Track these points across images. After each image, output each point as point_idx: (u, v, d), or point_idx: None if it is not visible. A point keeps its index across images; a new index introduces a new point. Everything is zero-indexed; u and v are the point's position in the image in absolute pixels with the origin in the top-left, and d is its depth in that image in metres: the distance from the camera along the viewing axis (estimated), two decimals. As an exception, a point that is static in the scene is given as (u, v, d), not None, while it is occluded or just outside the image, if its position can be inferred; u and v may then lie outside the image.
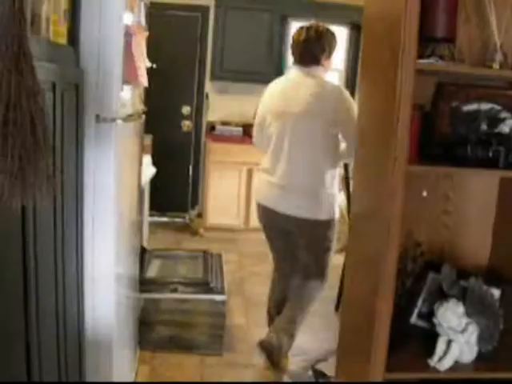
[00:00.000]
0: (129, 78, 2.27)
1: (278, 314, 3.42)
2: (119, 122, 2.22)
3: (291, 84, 3.22)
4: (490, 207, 2.28)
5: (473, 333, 1.91)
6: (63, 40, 1.92)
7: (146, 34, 2.60)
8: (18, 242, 1.50)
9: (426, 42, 1.87)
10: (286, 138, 3.15)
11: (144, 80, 2.54)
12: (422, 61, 1.82)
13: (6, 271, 1.45)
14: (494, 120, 1.98)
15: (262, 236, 5.60)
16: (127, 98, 2.42)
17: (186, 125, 6.32)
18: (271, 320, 3.50)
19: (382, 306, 1.84)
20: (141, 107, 2.88)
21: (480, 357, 1.97)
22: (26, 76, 1.26)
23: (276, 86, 3.38)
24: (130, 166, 2.71)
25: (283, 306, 3.38)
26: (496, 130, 1.97)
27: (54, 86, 1.70)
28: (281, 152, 3.18)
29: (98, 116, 2.14)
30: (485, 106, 1.98)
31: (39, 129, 1.30)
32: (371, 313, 1.88)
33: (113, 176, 2.22)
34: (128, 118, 2.42)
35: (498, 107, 1.99)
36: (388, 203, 1.81)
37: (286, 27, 6.29)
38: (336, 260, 4.34)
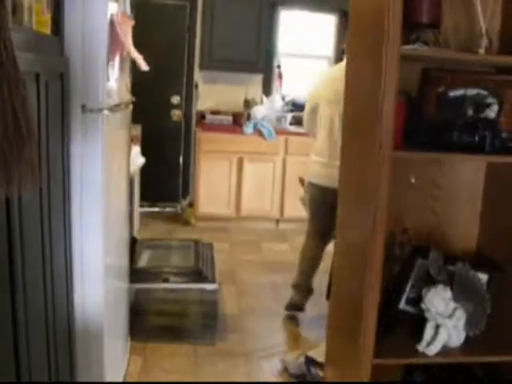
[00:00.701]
0: (115, 53, 2.24)
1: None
2: (106, 112, 2.20)
3: (341, 73, 3.34)
4: (477, 192, 2.29)
5: (460, 318, 1.92)
6: (47, 30, 1.90)
7: (132, 22, 2.58)
8: (3, 233, 1.49)
9: (411, 28, 1.87)
10: (335, 122, 3.44)
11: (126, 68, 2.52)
12: (406, 47, 1.81)
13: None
14: (480, 105, 1.98)
15: (253, 225, 5.64)
16: (114, 87, 2.40)
17: (176, 114, 6.30)
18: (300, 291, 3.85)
19: (370, 292, 1.84)
20: (128, 97, 2.87)
21: (468, 341, 1.99)
22: (8, 66, 1.25)
23: (328, 75, 3.72)
24: (118, 156, 2.70)
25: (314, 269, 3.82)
26: (482, 115, 1.97)
27: (37, 76, 1.69)
28: (331, 135, 3.53)
29: (83, 106, 2.13)
30: (471, 92, 1.98)
31: (22, 119, 1.28)
32: (359, 299, 1.89)
33: (100, 167, 2.21)
34: (115, 108, 2.40)
35: (484, 92, 1.99)
36: (374, 189, 1.81)
37: (275, 15, 6.27)
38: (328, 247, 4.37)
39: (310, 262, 3.83)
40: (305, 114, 3.88)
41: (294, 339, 3.60)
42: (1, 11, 1.22)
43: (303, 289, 3.83)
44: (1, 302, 1.49)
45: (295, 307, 3.84)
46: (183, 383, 2.99)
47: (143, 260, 3.89)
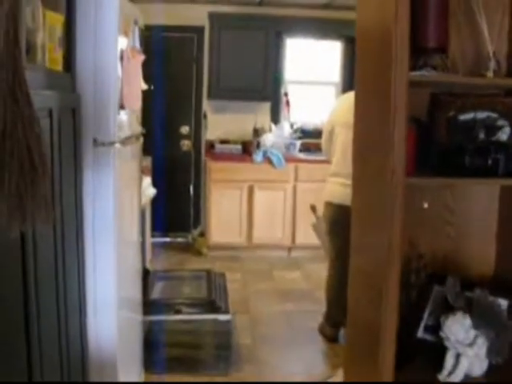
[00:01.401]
0: (124, 101, 2.27)
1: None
2: (117, 145, 2.22)
3: None
4: (492, 216, 2.27)
5: (482, 345, 1.88)
6: (59, 67, 1.93)
7: (142, 57, 2.61)
8: (18, 268, 1.50)
9: (419, 53, 1.88)
10: (350, 145, 3.40)
11: (138, 103, 2.55)
12: (414, 72, 1.82)
13: (7, 298, 1.44)
14: (492, 128, 1.98)
15: (265, 253, 5.61)
16: (124, 120, 2.43)
17: (186, 144, 6.34)
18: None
19: (387, 320, 1.82)
20: (139, 129, 2.89)
21: (491, 370, 1.94)
22: (22, 105, 1.27)
23: (345, 100, 3.75)
24: (129, 188, 2.71)
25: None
26: (494, 138, 1.97)
27: (50, 112, 1.71)
28: (346, 157, 3.41)
29: (95, 140, 2.15)
30: (481, 115, 1.98)
31: (36, 156, 1.30)
32: (376, 327, 1.87)
33: (112, 200, 2.22)
34: (126, 141, 2.42)
35: (494, 115, 1.99)
36: (388, 216, 1.80)
37: (281, 44, 6.33)
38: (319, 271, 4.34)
39: (336, 295, 3.78)
40: (323, 138, 3.99)
41: (310, 368, 3.55)
42: (15, 52, 1.24)
43: (334, 322, 3.82)
44: (14, 332, 1.49)
45: (328, 338, 3.88)
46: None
47: (156, 291, 3.87)
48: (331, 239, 3.83)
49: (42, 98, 1.62)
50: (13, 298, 1.48)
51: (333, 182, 3.78)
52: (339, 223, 3.61)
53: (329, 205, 3.80)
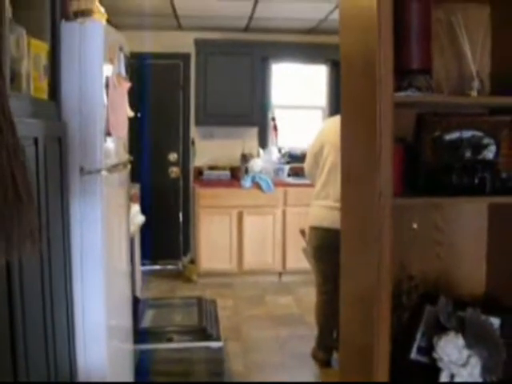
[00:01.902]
0: (110, 129, 2.27)
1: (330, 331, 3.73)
2: (104, 172, 2.21)
3: None
4: (481, 234, 2.27)
5: (475, 365, 1.86)
6: (44, 95, 1.93)
7: (128, 84, 2.62)
8: (4, 297, 1.48)
9: (403, 74, 1.89)
10: (339, 166, 3.40)
11: (124, 131, 2.55)
12: (399, 94, 1.83)
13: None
14: (477, 147, 1.99)
15: (256, 278, 5.58)
16: (111, 148, 2.42)
17: (174, 171, 6.33)
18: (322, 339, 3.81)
19: (379, 342, 1.80)
20: (126, 156, 2.88)
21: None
22: (6, 133, 1.26)
23: (333, 122, 3.65)
24: (117, 216, 2.69)
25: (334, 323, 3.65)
26: (480, 157, 1.97)
27: (36, 140, 1.71)
28: (335, 179, 3.35)
29: (82, 168, 2.14)
30: (466, 134, 1.99)
31: (21, 184, 1.29)
32: (369, 350, 1.85)
33: (100, 228, 2.21)
34: (113, 169, 2.42)
35: (479, 134, 2.00)
36: (376, 237, 1.79)
37: (267, 69, 6.38)
38: (310, 295, 4.30)
39: (326, 319, 3.75)
40: (306, 161, 3.90)
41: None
42: (-2, 79, 1.23)
43: (326, 347, 3.78)
44: (2, 363, 1.46)
45: (321, 363, 3.82)
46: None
47: (147, 320, 3.83)
48: (318, 265, 3.75)
49: (27, 127, 1.61)
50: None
51: (319, 206, 3.69)
52: (326, 247, 3.55)
53: (315, 229, 3.71)
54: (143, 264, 5.58)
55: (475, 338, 1.89)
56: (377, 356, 1.80)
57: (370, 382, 1.85)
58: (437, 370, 1.89)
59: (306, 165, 3.92)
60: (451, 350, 1.84)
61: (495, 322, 1.99)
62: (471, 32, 2.07)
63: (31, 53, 1.73)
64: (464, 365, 1.85)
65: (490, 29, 2.16)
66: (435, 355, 1.88)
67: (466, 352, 1.86)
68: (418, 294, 2.13)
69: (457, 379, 1.85)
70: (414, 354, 2.00)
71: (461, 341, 1.86)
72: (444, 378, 1.87)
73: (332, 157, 3.58)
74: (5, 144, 1.24)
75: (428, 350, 1.95)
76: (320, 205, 3.67)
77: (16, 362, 1.52)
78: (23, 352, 1.56)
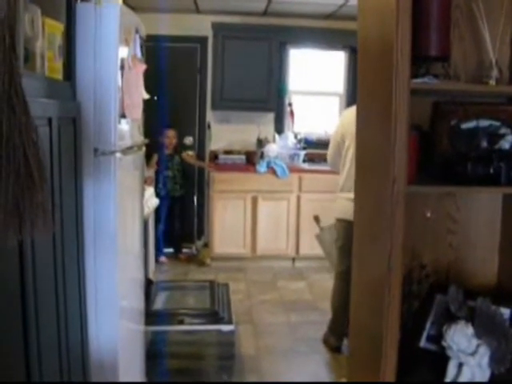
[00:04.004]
0: (125, 110, 2.27)
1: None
2: (118, 154, 2.22)
3: None
4: (494, 225, 2.24)
5: (484, 355, 1.86)
6: (59, 75, 1.93)
7: (143, 66, 2.61)
8: (17, 277, 1.49)
9: (420, 61, 1.87)
10: None
11: (139, 113, 2.54)
12: (416, 80, 1.81)
13: (5, 308, 1.43)
14: (494, 136, 1.96)
15: (269, 263, 5.59)
16: (125, 130, 2.42)
17: (189, 155, 6.34)
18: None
19: (389, 330, 1.80)
20: (140, 139, 2.88)
21: (493, 379, 1.92)
22: (19, 112, 1.26)
23: (354, 111, 3.59)
24: (131, 198, 2.70)
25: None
26: (496, 147, 1.95)
27: (50, 120, 1.71)
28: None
29: (96, 149, 2.15)
30: (483, 123, 1.96)
31: (33, 163, 1.29)
32: (378, 337, 1.85)
33: (113, 209, 2.21)
34: (127, 151, 2.42)
35: (497, 123, 1.97)
36: (389, 225, 1.78)
37: (284, 54, 6.34)
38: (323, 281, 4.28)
39: (342, 305, 3.75)
40: (329, 149, 3.87)
41: (314, 378, 3.52)
42: (12, 58, 1.24)
43: (339, 333, 3.80)
44: (12, 344, 1.48)
45: (332, 348, 3.85)
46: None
47: (159, 302, 3.86)
48: (344, 254, 3.69)
49: (41, 106, 1.61)
50: (11, 308, 1.47)
51: (344, 198, 3.63)
52: (351, 239, 3.55)
53: (342, 221, 3.67)
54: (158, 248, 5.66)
55: (484, 328, 1.88)
56: (386, 343, 1.80)
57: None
58: (445, 359, 1.89)
59: (329, 153, 3.89)
60: (460, 339, 1.83)
61: (505, 312, 1.98)
62: (491, 20, 2.03)
63: (46, 33, 1.73)
64: (472, 354, 1.84)
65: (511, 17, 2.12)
66: (444, 344, 1.88)
67: (475, 341, 1.85)
68: (429, 282, 2.12)
69: (465, 368, 1.85)
70: (423, 342, 2.00)
71: (470, 330, 1.85)
72: (452, 366, 1.87)
73: (353, 149, 3.54)
74: (17, 123, 1.25)
75: (437, 338, 1.94)
76: (345, 197, 3.62)
77: (28, 342, 1.54)
78: (35, 332, 1.57)
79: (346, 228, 3.60)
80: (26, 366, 1.53)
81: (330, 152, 3.89)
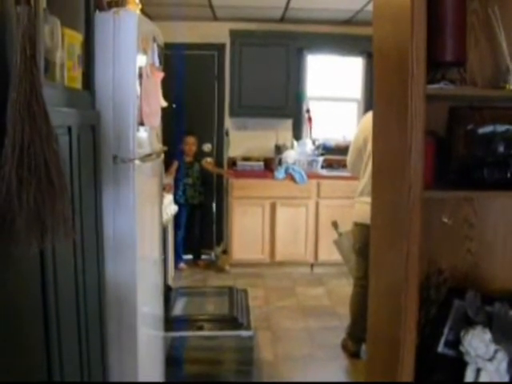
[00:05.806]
0: (143, 118, 2.30)
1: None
2: (137, 162, 2.25)
3: None
4: (512, 230, 2.23)
5: (502, 360, 1.85)
6: (78, 84, 1.97)
7: (161, 74, 2.65)
8: (38, 285, 1.51)
9: (436, 67, 1.87)
10: None
11: (157, 121, 2.57)
12: (431, 86, 1.81)
13: (27, 315, 1.45)
14: (511, 141, 1.95)
15: (288, 269, 5.58)
16: (144, 137, 2.45)
17: (208, 162, 6.38)
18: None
19: (407, 335, 1.80)
20: (159, 146, 2.91)
21: (512, 385, 1.91)
22: (39, 121, 1.29)
23: None
24: (150, 205, 2.73)
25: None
26: (513, 151, 1.94)
27: (69, 129, 1.74)
28: None
29: (115, 157, 2.18)
30: (500, 128, 1.96)
31: (53, 172, 1.32)
32: (396, 343, 1.85)
33: (132, 216, 2.24)
34: (146, 158, 2.45)
35: (514, 128, 1.96)
36: (406, 230, 1.79)
37: (302, 60, 6.35)
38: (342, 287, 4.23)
39: (361, 310, 3.74)
40: (350, 154, 3.85)
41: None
42: (33, 69, 1.27)
43: (357, 338, 3.78)
44: (34, 352, 1.50)
45: (350, 353, 3.85)
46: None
47: (178, 308, 3.88)
48: (362, 259, 3.66)
49: (61, 115, 1.65)
50: (32, 315, 1.49)
51: (363, 202, 3.57)
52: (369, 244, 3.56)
53: (360, 226, 3.63)
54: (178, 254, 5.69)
55: (502, 333, 1.87)
56: (403, 348, 1.80)
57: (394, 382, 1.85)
58: (463, 364, 1.88)
59: (349, 158, 3.86)
60: (478, 344, 1.83)
61: (524, 318, 1.97)
62: (508, 25, 2.03)
63: (65, 43, 1.76)
64: (490, 359, 1.83)
65: (528, 21, 2.11)
66: (462, 349, 1.87)
67: (492, 346, 1.84)
68: (447, 288, 2.11)
69: (483, 373, 1.84)
70: (441, 348, 1.99)
71: (488, 335, 1.85)
72: (470, 371, 1.86)
73: None
74: (38, 132, 1.28)
75: (455, 343, 1.94)
76: (364, 201, 3.56)
77: (49, 351, 1.55)
78: (56, 340, 1.58)
79: (363, 232, 3.59)
80: (48, 377, 1.55)
81: (350, 157, 3.87)
